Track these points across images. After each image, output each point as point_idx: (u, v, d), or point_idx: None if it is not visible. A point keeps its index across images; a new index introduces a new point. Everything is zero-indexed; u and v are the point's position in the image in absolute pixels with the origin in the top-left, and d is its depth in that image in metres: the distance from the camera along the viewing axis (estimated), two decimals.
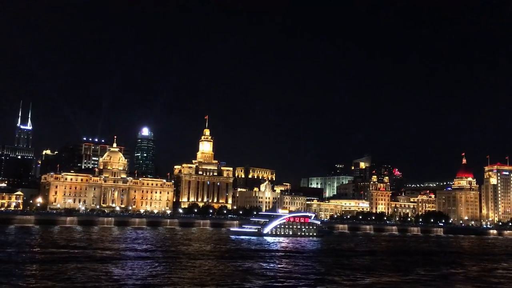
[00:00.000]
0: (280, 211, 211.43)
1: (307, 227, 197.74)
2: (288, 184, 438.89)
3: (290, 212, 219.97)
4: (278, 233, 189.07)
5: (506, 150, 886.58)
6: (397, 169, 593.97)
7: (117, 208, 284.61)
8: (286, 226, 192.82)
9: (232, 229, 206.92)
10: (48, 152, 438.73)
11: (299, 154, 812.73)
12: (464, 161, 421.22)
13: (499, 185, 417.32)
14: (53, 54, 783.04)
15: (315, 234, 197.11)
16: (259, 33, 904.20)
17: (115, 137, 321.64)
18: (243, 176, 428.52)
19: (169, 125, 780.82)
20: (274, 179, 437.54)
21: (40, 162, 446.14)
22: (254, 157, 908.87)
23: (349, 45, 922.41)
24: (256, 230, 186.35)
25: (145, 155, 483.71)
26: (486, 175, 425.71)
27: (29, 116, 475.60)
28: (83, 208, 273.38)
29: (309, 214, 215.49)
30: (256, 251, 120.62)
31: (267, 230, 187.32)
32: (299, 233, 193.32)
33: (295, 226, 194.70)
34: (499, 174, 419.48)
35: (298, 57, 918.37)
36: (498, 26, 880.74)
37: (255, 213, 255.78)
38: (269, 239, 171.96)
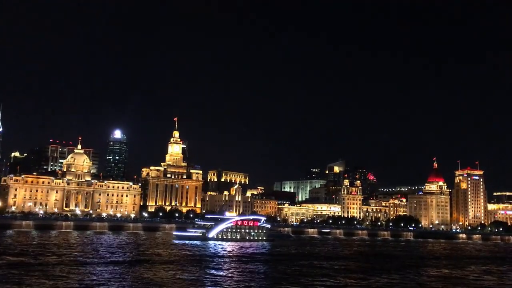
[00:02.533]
0: (227, 214, 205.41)
1: (256, 231, 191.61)
2: (261, 188, 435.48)
3: (239, 215, 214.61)
4: (225, 237, 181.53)
5: (477, 155, 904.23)
6: (371, 174, 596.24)
7: (78, 212, 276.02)
8: (234, 230, 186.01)
9: (175, 233, 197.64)
10: (17, 154, 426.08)
11: (275, 158, 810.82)
12: (435, 165, 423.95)
13: (469, 189, 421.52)
14: (25, 55, 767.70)
15: (264, 238, 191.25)
16: (232, 36, 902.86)
17: (80, 138, 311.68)
18: (215, 179, 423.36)
19: (143, 128, 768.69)
20: (247, 183, 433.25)
21: (8, 164, 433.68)
22: (229, 160, 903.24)
23: (326, 47, 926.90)
24: (201, 234, 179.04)
25: (117, 158, 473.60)
26: (456, 179, 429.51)
27: None
28: (42, 212, 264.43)
29: (259, 218, 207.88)
30: (200, 256, 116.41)
31: (212, 234, 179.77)
32: (247, 237, 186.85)
33: (243, 230, 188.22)
34: (469, 179, 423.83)
35: (271, 60, 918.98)
36: (474, 31, 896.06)
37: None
38: (214, 243, 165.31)
